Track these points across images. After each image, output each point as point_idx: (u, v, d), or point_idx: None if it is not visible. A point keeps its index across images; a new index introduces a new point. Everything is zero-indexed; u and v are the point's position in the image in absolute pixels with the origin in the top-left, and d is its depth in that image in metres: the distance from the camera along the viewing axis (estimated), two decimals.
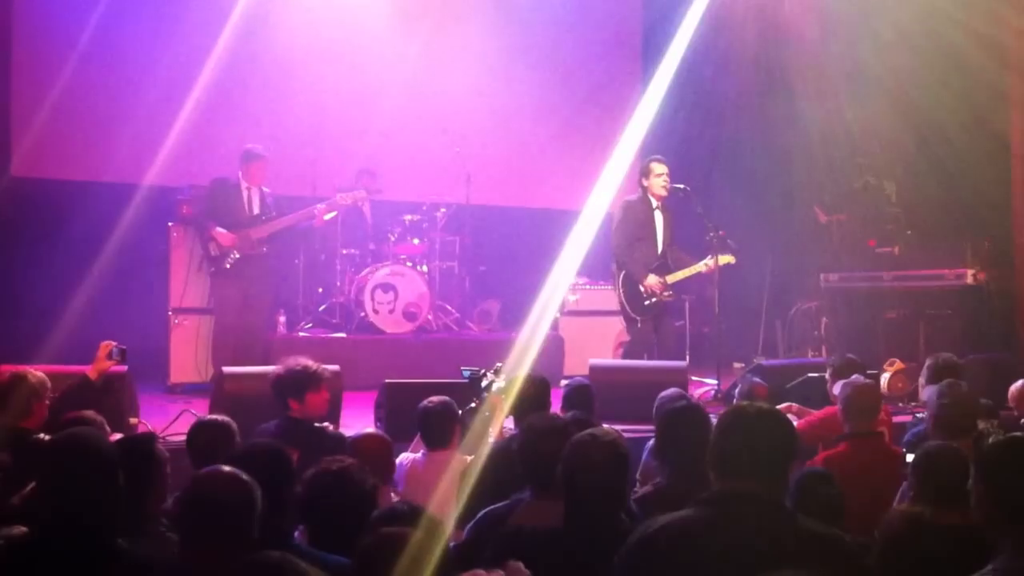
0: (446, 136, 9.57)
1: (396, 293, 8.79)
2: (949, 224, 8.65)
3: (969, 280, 8.14)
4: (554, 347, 8.74)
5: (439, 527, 2.76)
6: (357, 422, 6.15)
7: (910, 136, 8.64)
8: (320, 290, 9.18)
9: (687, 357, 8.39)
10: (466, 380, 5.57)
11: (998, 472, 2.60)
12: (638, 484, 4.28)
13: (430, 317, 9.04)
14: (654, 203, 7.54)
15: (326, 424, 5.05)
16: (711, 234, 7.39)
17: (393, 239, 9.13)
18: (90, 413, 4.14)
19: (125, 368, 5.63)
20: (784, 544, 2.40)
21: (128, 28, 8.81)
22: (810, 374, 6.51)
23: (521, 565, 2.34)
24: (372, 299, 8.73)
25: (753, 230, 9.06)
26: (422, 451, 4.76)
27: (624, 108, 9.47)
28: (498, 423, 4.99)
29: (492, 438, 4.81)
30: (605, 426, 3.68)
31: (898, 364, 7.49)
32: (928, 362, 5.58)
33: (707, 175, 9.39)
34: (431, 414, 4.73)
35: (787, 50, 9.52)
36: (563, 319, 9.18)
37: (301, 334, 8.65)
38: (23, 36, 8.75)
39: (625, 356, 7.99)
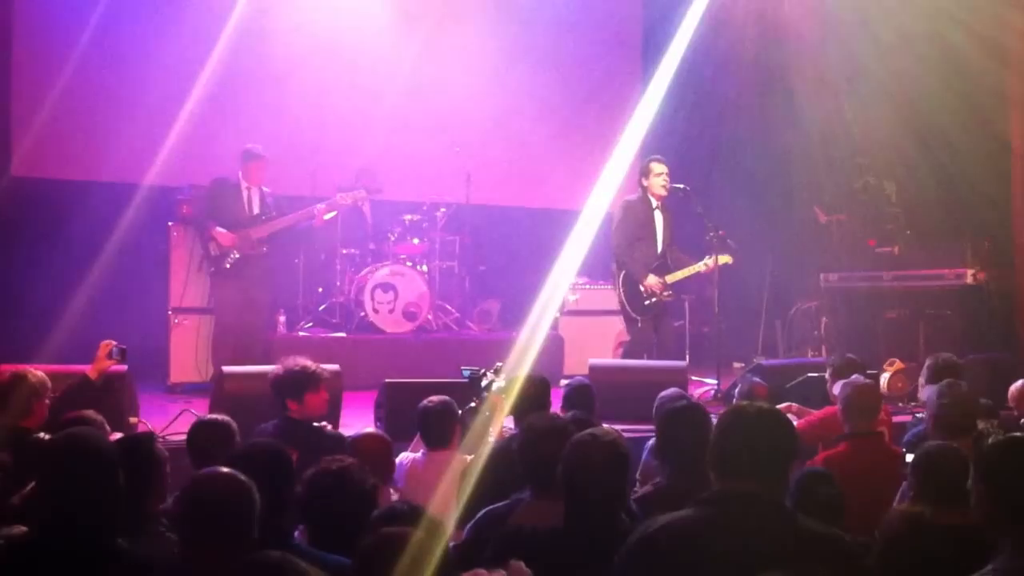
0: (446, 136, 9.57)
1: (396, 293, 8.79)
2: (949, 224, 8.65)
3: (969, 280, 8.14)
4: (554, 347, 8.74)
5: (439, 527, 2.76)
6: (357, 422, 6.15)
7: (910, 136, 8.63)
8: (320, 290, 9.18)
9: (687, 357, 8.39)
10: (466, 380, 5.57)
11: (998, 472, 2.60)
12: (638, 484, 4.28)
13: (430, 317, 9.04)
14: (654, 203, 7.54)
15: (324, 424, 5.05)
16: (711, 234, 7.39)
17: (393, 239, 9.13)
18: (90, 413, 4.14)
19: (125, 368, 5.63)
20: (784, 544, 2.40)
21: (128, 28, 8.81)
22: (810, 374, 6.52)
23: (523, 565, 2.34)
24: (372, 299, 8.73)
25: (753, 230, 9.05)
26: (422, 451, 4.76)
27: (624, 108, 9.47)
28: (498, 423, 4.99)
29: (492, 438, 4.81)
30: (605, 426, 3.68)
31: (898, 364, 7.49)
32: (928, 362, 5.59)
33: (707, 175, 9.38)
34: (431, 414, 4.73)
35: (787, 50, 9.52)
36: (563, 319, 9.17)
37: (301, 334, 8.65)
38: (23, 36, 8.75)
39: (625, 356, 7.99)
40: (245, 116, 8.86)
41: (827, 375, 5.78)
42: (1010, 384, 5.48)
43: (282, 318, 8.68)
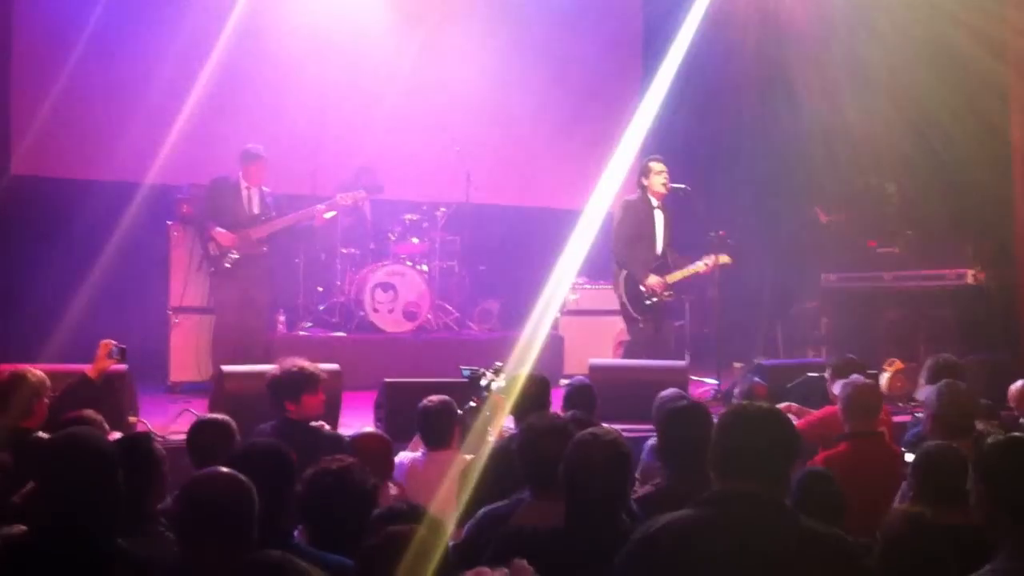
0: (446, 136, 9.57)
1: (396, 292, 8.79)
2: (949, 224, 8.65)
3: (969, 280, 8.14)
4: (554, 347, 8.74)
5: (440, 526, 2.76)
6: (357, 421, 6.15)
7: (911, 136, 8.63)
8: (320, 289, 9.17)
9: (687, 357, 8.39)
10: (466, 379, 5.58)
11: (998, 472, 2.60)
12: (638, 484, 4.28)
13: (430, 316, 9.04)
14: (654, 202, 7.54)
15: (322, 424, 5.04)
16: (711, 234, 7.39)
17: (393, 238, 9.13)
18: (90, 412, 4.14)
19: (125, 367, 5.63)
20: (785, 544, 2.40)
21: (128, 27, 8.81)
22: (810, 374, 6.51)
23: (525, 563, 2.34)
24: (372, 298, 8.73)
25: (754, 230, 9.06)
26: (422, 451, 4.76)
27: (624, 107, 9.47)
28: (498, 423, 4.99)
29: (492, 438, 4.81)
30: (605, 426, 3.68)
31: (898, 364, 7.49)
32: (928, 362, 5.59)
33: (707, 175, 9.37)
34: (431, 413, 4.73)
35: (788, 50, 9.51)
36: (563, 319, 9.18)
37: (301, 333, 8.65)
38: (23, 35, 8.75)
39: (625, 356, 7.99)
40: (245, 116, 8.86)
41: (827, 375, 5.78)
42: (1010, 384, 5.48)
43: (282, 318, 8.68)
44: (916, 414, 5.67)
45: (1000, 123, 8.33)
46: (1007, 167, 8.35)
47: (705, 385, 7.87)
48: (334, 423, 5.68)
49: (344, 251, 9.06)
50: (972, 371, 6.08)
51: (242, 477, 2.72)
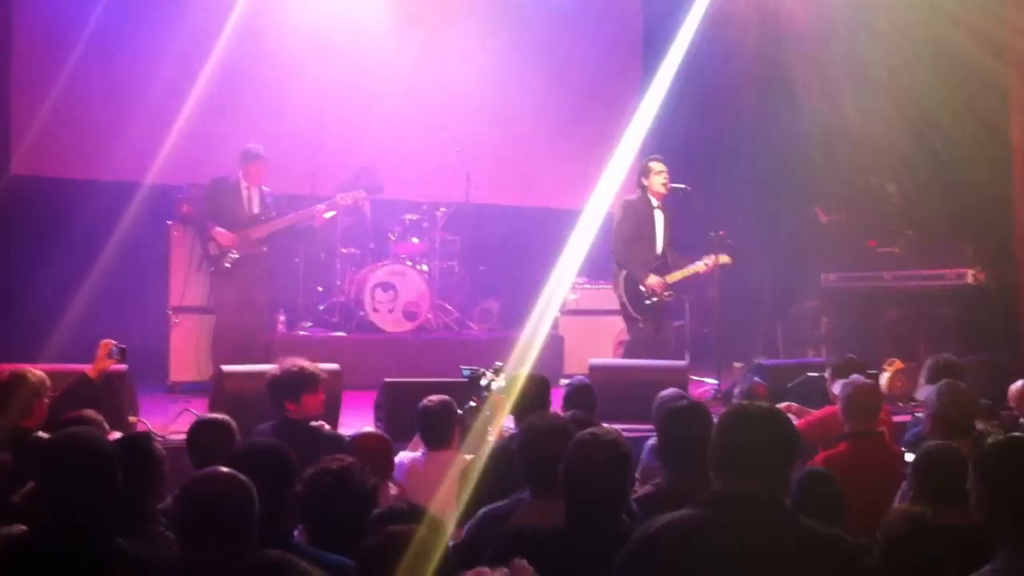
0: (446, 135, 9.57)
1: (396, 292, 8.79)
2: (949, 224, 8.65)
3: (969, 280, 8.14)
4: (554, 346, 8.74)
5: (440, 526, 2.76)
6: (357, 421, 6.15)
7: (911, 136, 8.63)
8: (320, 289, 9.17)
9: (687, 357, 8.39)
10: (466, 379, 5.57)
11: (998, 472, 2.60)
12: (638, 484, 4.28)
13: (430, 316, 9.04)
14: (654, 202, 7.54)
15: (321, 423, 5.04)
16: (711, 234, 7.39)
17: (393, 238, 9.13)
18: (90, 412, 4.14)
19: (125, 367, 5.63)
20: (785, 544, 2.40)
21: (128, 27, 8.81)
22: (810, 374, 6.51)
23: (526, 563, 2.34)
24: (372, 298, 8.73)
25: (754, 230, 9.05)
26: (422, 450, 4.76)
27: (624, 107, 9.47)
28: (498, 422, 4.99)
29: (492, 437, 4.81)
30: (605, 425, 3.68)
31: (898, 364, 7.49)
32: (928, 362, 5.59)
33: (707, 175, 9.38)
34: (430, 413, 4.73)
35: (788, 50, 9.51)
36: (563, 318, 9.17)
37: (301, 333, 8.65)
38: (23, 34, 8.75)
39: (625, 355, 7.99)
40: (245, 116, 8.86)
41: (827, 375, 5.78)
42: (1010, 384, 5.48)
43: (282, 317, 8.68)
44: (916, 414, 5.67)
45: (1000, 123, 8.33)
46: (1007, 167, 8.35)
47: (705, 385, 7.87)
48: (334, 423, 5.68)
49: (344, 251, 9.06)
50: (972, 371, 6.07)
51: (242, 477, 2.72)
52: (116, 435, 4.05)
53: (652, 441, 4.62)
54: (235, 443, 3.95)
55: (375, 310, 8.72)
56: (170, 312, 8.16)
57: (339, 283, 9.06)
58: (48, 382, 4.65)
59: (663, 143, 8.68)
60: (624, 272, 7.47)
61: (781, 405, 5.46)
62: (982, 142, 8.16)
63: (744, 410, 2.63)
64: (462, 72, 9.79)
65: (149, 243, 8.36)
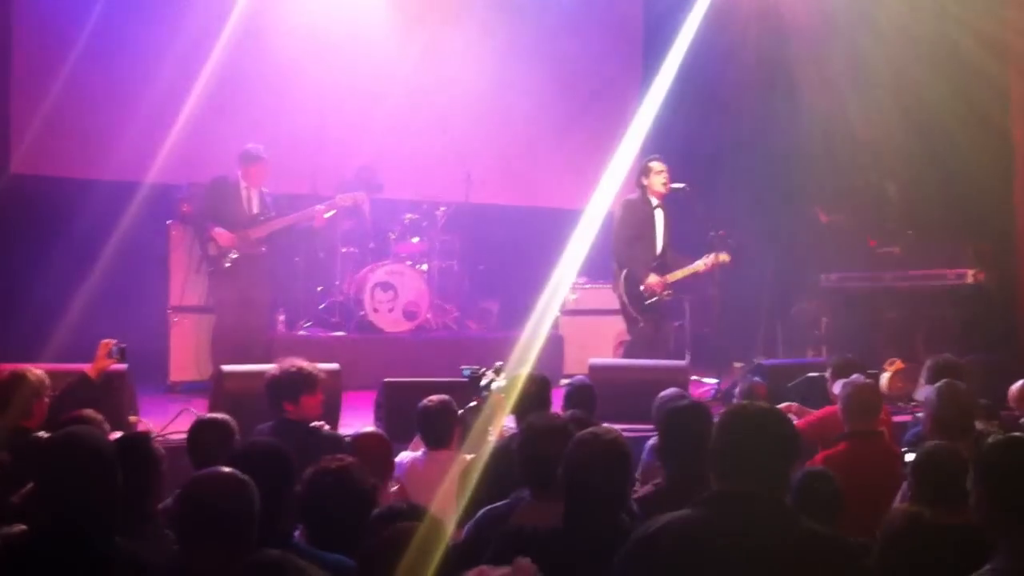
0: (446, 136, 9.57)
1: (396, 292, 8.79)
2: (950, 224, 8.65)
3: (969, 280, 8.14)
4: (554, 346, 8.73)
5: (440, 525, 2.76)
6: (356, 421, 6.15)
7: (912, 135, 8.63)
8: (320, 289, 9.17)
9: (687, 357, 8.39)
10: (466, 379, 5.57)
11: (997, 472, 2.60)
12: (638, 484, 4.28)
13: (429, 316, 9.04)
14: (654, 202, 7.55)
15: (321, 424, 5.04)
16: (711, 233, 7.40)
17: (393, 238, 9.13)
18: (89, 412, 4.14)
19: (125, 367, 5.62)
20: (785, 545, 2.39)
21: (129, 26, 8.80)
22: (810, 374, 6.51)
23: (529, 562, 2.34)
24: (372, 298, 8.73)
25: (754, 230, 9.04)
26: (422, 450, 4.76)
27: (625, 107, 9.47)
28: (499, 422, 4.99)
29: (493, 437, 4.80)
30: (604, 425, 3.68)
31: (898, 364, 7.49)
32: (928, 362, 5.58)
33: (708, 174, 9.37)
34: (430, 413, 4.73)
35: (789, 49, 9.51)
36: (563, 318, 9.17)
37: (301, 333, 8.65)
38: (23, 33, 8.74)
39: (626, 355, 7.99)
40: (245, 115, 8.86)
41: (827, 375, 5.78)
42: (1010, 384, 5.48)
43: (282, 317, 8.68)
44: (916, 414, 5.67)
45: (1001, 123, 8.33)
46: (1008, 167, 8.36)
47: (705, 385, 7.87)
48: (334, 423, 5.67)
49: (344, 251, 9.06)
50: (972, 371, 6.06)
51: (244, 477, 2.72)
52: (116, 435, 4.05)
53: (652, 441, 4.62)
54: (235, 443, 3.95)
55: (375, 310, 8.72)
56: (170, 312, 8.16)
57: (339, 283, 9.06)
58: (48, 382, 4.65)
59: (663, 143, 8.67)
60: (624, 272, 7.47)
61: (781, 405, 5.46)
62: (983, 142, 8.16)
63: (744, 410, 2.63)
64: (462, 72, 9.79)
65: (149, 243, 8.35)
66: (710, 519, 2.45)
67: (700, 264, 7.46)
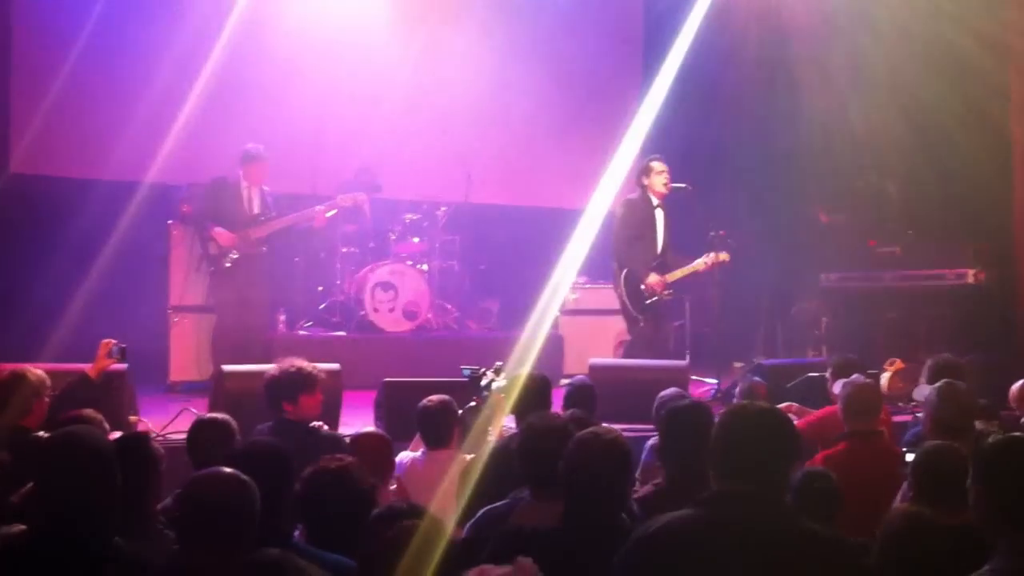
0: (446, 135, 9.57)
1: (396, 292, 8.79)
2: (950, 224, 8.65)
3: (969, 280, 8.14)
4: (554, 346, 8.73)
5: (441, 524, 2.75)
6: (356, 421, 6.16)
7: (912, 136, 8.63)
8: (320, 289, 9.17)
9: (687, 357, 8.39)
10: (466, 379, 5.57)
11: (996, 472, 2.59)
12: (638, 484, 4.28)
13: (430, 316, 9.04)
14: (655, 201, 7.55)
15: (320, 424, 5.03)
16: (712, 233, 7.40)
17: (393, 238, 9.13)
18: (89, 411, 4.13)
19: (125, 366, 5.62)
20: (785, 545, 2.39)
21: (129, 25, 8.80)
22: (810, 374, 6.51)
23: (531, 561, 2.34)
24: (372, 298, 8.73)
25: (754, 230, 9.05)
26: (421, 450, 4.76)
27: (625, 107, 9.46)
28: (499, 422, 4.99)
29: (493, 437, 4.80)
30: (604, 425, 3.67)
31: (898, 364, 7.49)
32: (928, 362, 5.57)
33: (708, 174, 9.37)
34: (430, 413, 4.72)
35: (789, 49, 9.51)
36: (563, 318, 9.17)
37: (301, 333, 8.65)
38: (23, 32, 8.74)
39: (626, 355, 7.99)
40: (246, 114, 8.85)
41: (827, 375, 5.78)
42: (1010, 384, 5.47)
43: (282, 317, 8.68)
44: (916, 414, 5.66)
45: (1001, 123, 8.33)
46: (1008, 167, 8.36)
47: (705, 385, 7.86)
48: (334, 423, 5.67)
49: (344, 250, 9.06)
50: (972, 371, 6.06)
51: (245, 478, 2.72)
52: (116, 435, 4.05)
53: (652, 441, 4.62)
54: (235, 443, 3.95)
55: (375, 310, 8.71)
56: (170, 312, 8.16)
57: (339, 283, 9.06)
58: (48, 381, 4.65)
59: (663, 143, 8.66)
60: (624, 271, 7.47)
61: (781, 405, 5.46)
62: (983, 142, 8.16)
63: (744, 410, 2.63)
64: (462, 72, 9.78)
65: (149, 242, 8.36)
66: (710, 519, 2.44)
67: (700, 263, 7.46)
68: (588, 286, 9.33)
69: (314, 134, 9.20)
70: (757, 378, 6.48)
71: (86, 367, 5.12)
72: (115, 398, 5.50)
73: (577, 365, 8.22)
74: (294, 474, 3.23)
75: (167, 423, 5.88)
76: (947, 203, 8.59)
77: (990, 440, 2.81)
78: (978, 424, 4.40)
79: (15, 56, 8.72)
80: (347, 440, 4.74)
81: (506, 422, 5.02)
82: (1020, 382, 5.39)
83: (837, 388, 4.99)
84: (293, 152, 8.84)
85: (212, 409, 5.54)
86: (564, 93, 10.37)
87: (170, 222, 8.28)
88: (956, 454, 3.46)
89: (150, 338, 7.96)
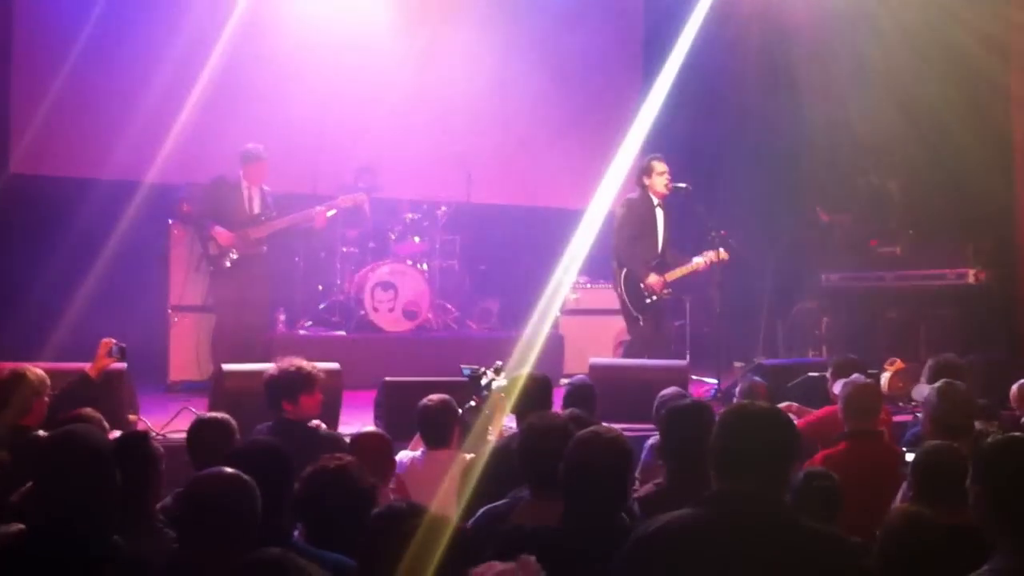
0: (447, 135, 9.56)
1: (396, 291, 8.79)
2: (951, 223, 8.65)
3: (970, 280, 8.14)
4: (554, 346, 8.73)
5: (442, 521, 2.75)
6: (356, 421, 6.15)
7: (913, 135, 8.62)
8: (320, 288, 9.17)
9: (687, 357, 8.39)
10: (466, 378, 5.57)
11: (996, 472, 2.59)
12: (638, 484, 4.28)
13: (430, 315, 9.04)
14: (655, 201, 7.55)
15: (319, 424, 5.03)
16: (712, 233, 7.40)
17: (394, 237, 9.13)
18: (89, 411, 4.14)
19: (124, 366, 5.62)
20: (785, 544, 2.39)
21: (129, 25, 8.80)
22: (810, 374, 6.51)
23: (534, 559, 2.34)
24: (372, 297, 8.73)
25: (755, 229, 9.04)
26: (421, 450, 4.75)
27: (626, 107, 9.47)
28: (499, 422, 4.99)
29: (493, 437, 4.80)
30: (605, 425, 3.67)
31: (898, 364, 7.48)
32: (929, 362, 5.58)
33: (709, 174, 9.37)
34: (430, 413, 4.72)
35: (790, 49, 9.51)
36: (563, 318, 9.17)
37: (301, 332, 8.65)
38: (23, 32, 8.74)
39: (626, 355, 7.99)
40: (245, 115, 8.83)
41: (828, 375, 5.77)
42: (1010, 384, 5.47)
43: (282, 316, 8.68)
44: (916, 414, 5.67)
45: (1002, 123, 8.33)
46: (1009, 167, 8.35)
47: (705, 385, 7.86)
48: (334, 422, 5.67)
49: (344, 250, 9.06)
50: (972, 371, 6.06)
51: (245, 477, 2.72)
52: (116, 434, 4.05)
53: (652, 440, 4.62)
54: (235, 442, 3.95)
55: (375, 309, 8.71)
56: (170, 311, 8.16)
57: (339, 282, 9.06)
58: (48, 381, 4.65)
59: (664, 142, 8.66)
60: (624, 271, 7.47)
61: (781, 405, 5.46)
62: (984, 142, 8.15)
63: (744, 410, 2.63)
64: (463, 72, 9.78)
65: (149, 242, 8.35)
66: (710, 519, 2.44)
67: (700, 261, 7.46)
68: (588, 286, 9.34)
69: (314, 134, 9.20)
70: (757, 378, 6.47)
71: (86, 366, 5.12)
72: (115, 397, 5.50)
73: (577, 365, 8.22)
74: (294, 474, 3.23)
75: (167, 422, 5.88)
76: (948, 203, 8.58)
77: (990, 440, 2.81)
78: (978, 424, 4.41)
79: (15, 56, 8.72)
80: (347, 440, 4.73)
81: (506, 422, 5.02)
82: (1020, 382, 5.39)
83: (837, 388, 4.99)
84: (293, 152, 8.84)
85: (212, 408, 5.54)
86: (564, 93, 10.37)
87: (170, 222, 8.28)
88: (956, 454, 3.46)
89: (150, 337, 7.96)
